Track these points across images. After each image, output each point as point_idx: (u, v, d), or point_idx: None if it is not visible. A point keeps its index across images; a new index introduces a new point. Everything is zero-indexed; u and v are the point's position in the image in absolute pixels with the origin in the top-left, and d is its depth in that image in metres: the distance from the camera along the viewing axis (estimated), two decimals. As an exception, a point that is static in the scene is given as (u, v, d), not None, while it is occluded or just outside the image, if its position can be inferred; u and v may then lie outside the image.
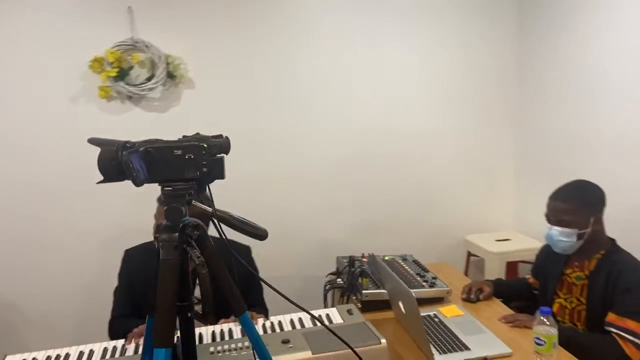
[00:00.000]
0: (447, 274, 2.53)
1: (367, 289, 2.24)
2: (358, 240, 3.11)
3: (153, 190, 1.98)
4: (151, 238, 2.17)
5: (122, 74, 2.73)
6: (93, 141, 1.06)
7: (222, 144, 1.10)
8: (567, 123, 2.82)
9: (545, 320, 1.68)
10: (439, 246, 3.19)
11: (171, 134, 2.91)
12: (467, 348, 1.86)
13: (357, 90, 3.10)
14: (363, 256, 2.62)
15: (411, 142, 3.19)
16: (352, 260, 2.48)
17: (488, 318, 2.11)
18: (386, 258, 2.64)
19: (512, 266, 3.02)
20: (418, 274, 2.38)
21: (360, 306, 2.21)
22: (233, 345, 1.74)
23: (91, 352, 1.79)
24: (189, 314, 1.15)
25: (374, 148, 3.16)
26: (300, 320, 1.94)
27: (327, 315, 1.97)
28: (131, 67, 2.77)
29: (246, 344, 1.74)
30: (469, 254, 3.20)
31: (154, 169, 1.07)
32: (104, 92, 2.75)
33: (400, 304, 1.97)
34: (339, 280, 2.52)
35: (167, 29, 2.81)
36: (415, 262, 2.56)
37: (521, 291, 2.34)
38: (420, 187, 3.22)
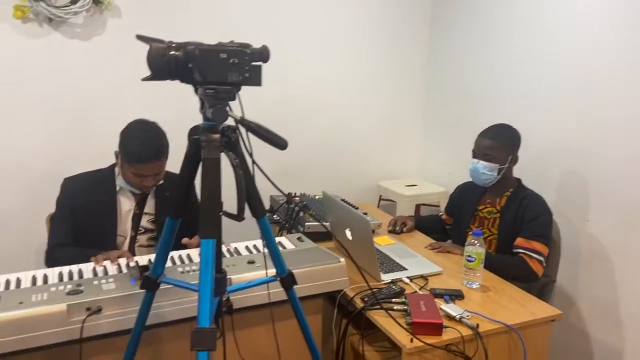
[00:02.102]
0: (370, 211, 2.79)
1: (309, 222, 2.41)
2: (279, 182, 3.23)
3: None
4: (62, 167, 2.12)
5: (43, -7, 2.50)
6: (140, 37, 1.06)
7: (262, 52, 1.16)
8: (472, 84, 3.20)
9: (475, 241, 1.99)
10: (354, 191, 3.45)
11: (94, 63, 2.77)
12: (404, 269, 2.13)
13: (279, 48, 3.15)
14: (295, 195, 2.78)
15: (330, 89, 3.36)
16: (289, 197, 2.62)
17: (415, 246, 2.41)
18: (317, 197, 2.83)
19: (417, 208, 3.39)
20: (350, 210, 2.60)
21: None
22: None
23: (45, 277, 1.72)
24: (220, 213, 1.21)
25: (297, 98, 3.28)
26: (254, 246, 2.04)
27: (279, 242, 2.10)
28: (52, -14, 2.55)
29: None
30: (380, 198, 3.51)
31: (202, 70, 1.10)
32: (20, 12, 2.49)
33: (348, 232, 2.17)
34: (275, 216, 2.65)
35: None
36: (344, 200, 2.78)
37: (436, 226, 2.68)
38: (337, 134, 3.42)
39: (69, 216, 2.05)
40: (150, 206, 2.13)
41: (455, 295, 1.92)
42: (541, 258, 2.15)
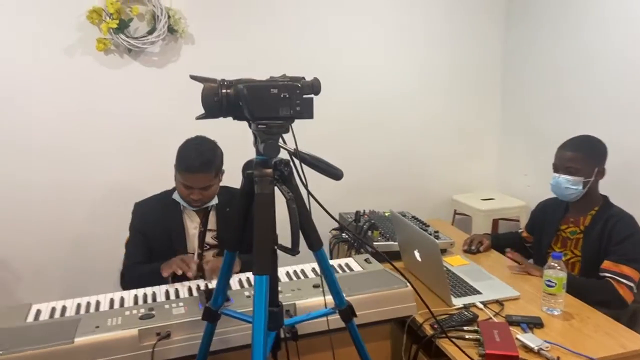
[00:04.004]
0: (443, 229, 2.68)
1: (377, 241, 2.36)
2: (348, 199, 3.20)
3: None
4: (146, 193, 2.22)
5: (122, 26, 2.66)
6: (194, 77, 1.09)
7: (313, 84, 1.15)
8: (553, 88, 3.01)
9: (555, 264, 1.85)
10: (427, 205, 3.35)
11: (170, 90, 2.89)
12: (478, 292, 2.02)
13: (347, 54, 3.16)
14: (364, 212, 2.74)
15: (401, 106, 3.30)
16: (358, 215, 2.59)
17: (490, 267, 2.28)
18: (386, 214, 2.77)
19: (495, 223, 3.24)
20: (420, 229, 2.52)
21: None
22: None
23: (122, 299, 1.81)
24: (275, 247, 1.21)
25: (365, 111, 3.24)
26: (313, 269, 2.03)
27: (347, 264, 2.07)
28: (131, 20, 2.70)
29: (278, 289, 1.82)
30: (455, 212, 3.39)
31: (253, 106, 1.11)
32: (102, 44, 2.67)
33: (416, 253, 2.10)
34: (343, 235, 2.63)
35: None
36: (415, 217, 2.70)
37: (515, 244, 2.53)
38: (408, 145, 3.35)
39: (142, 240, 2.15)
40: (212, 223, 2.18)
41: (533, 324, 1.79)
42: (631, 284, 1.96)
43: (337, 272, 1.99)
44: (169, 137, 2.86)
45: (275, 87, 1.12)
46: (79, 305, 1.77)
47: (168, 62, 2.85)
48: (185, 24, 2.81)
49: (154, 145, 2.87)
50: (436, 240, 1.98)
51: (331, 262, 2.07)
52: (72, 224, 2.84)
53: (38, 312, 1.72)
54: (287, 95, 1.12)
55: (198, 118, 1.10)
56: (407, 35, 3.24)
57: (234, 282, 1.90)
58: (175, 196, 2.14)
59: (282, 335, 1.47)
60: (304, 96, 1.14)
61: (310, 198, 1.24)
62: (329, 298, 1.44)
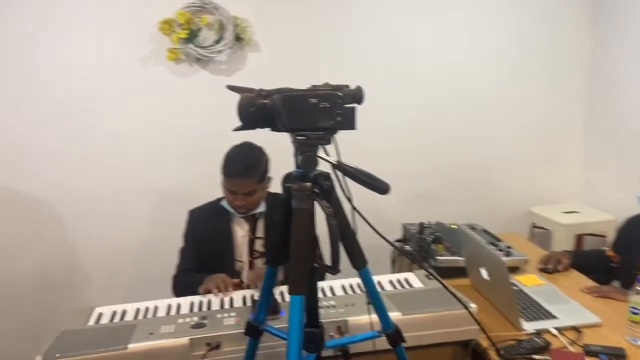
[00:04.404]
0: (517, 244, 2.49)
1: (441, 256, 2.23)
2: (417, 208, 3.08)
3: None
4: (205, 199, 2.22)
5: (192, 36, 2.73)
6: (231, 88, 1.06)
7: (355, 94, 1.08)
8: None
9: (642, 289, 1.64)
10: (501, 217, 3.15)
11: (237, 98, 2.92)
12: (553, 317, 1.83)
13: (419, 57, 3.04)
14: (429, 224, 2.60)
15: (475, 109, 3.13)
16: (422, 226, 2.47)
17: (568, 288, 2.07)
18: (453, 226, 2.62)
19: (579, 239, 2.97)
20: (491, 243, 2.35)
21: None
22: (325, 303, 1.75)
23: (179, 306, 1.82)
24: (315, 264, 1.15)
25: (435, 115, 3.11)
26: (379, 283, 1.94)
27: (406, 279, 1.97)
28: (200, 29, 2.76)
29: (331, 302, 1.75)
30: (533, 226, 3.15)
31: (291, 117, 1.06)
32: (173, 54, 2.75)
33: (483, 271, 1.95)
34: (406, 247, 2.51)
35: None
36: (485, 231, 2.53)
37: (598, 263, 2.29)
38: (482, 155, 3.17)
39: (193, 246, 2.17)
40: (261, 230, 2.15)
41: (615, 355, 1.59)
42: None
43: (395, 288, 1.89)
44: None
45: (315, 96, 1.06)
46: (137, 310, 1.80)
47: (235, 70, 2.88)
48: (251, 32, 2.83)
49: (221, 152, 2.92)
50: (503, 258, 1.83)
51: (390, 276, 1.98)
52: (140, 227, 2.94)
53: (100, 315, 1.78)
54: (328, 105, 1.06)
55: (235, 130, 1.07)
56: (479, 33, 3.07)
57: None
58: (224, 203, 2.15)
59: (332, 354, 1.41)
60: (346, 106, 1.08)
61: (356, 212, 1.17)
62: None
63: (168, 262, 2.23)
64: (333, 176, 1.15)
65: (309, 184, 1.07)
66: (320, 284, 1.89)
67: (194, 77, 2.84)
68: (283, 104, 1.04)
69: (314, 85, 1.11)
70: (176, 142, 2.88)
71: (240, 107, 1.03)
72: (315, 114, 1.06)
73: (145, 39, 2.75)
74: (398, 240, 2.59)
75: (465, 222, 2.62)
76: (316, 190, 1.10)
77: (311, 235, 1.10)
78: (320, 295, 1.83)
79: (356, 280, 1.95)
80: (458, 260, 2.20)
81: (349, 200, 1.15)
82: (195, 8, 2.74)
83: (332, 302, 1.75)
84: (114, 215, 2.90)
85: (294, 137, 1.08)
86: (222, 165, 2.04)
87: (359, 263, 1.18)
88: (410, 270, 2.11)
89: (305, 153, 1.06)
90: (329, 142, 1.11)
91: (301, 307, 1.05)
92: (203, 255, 2.16)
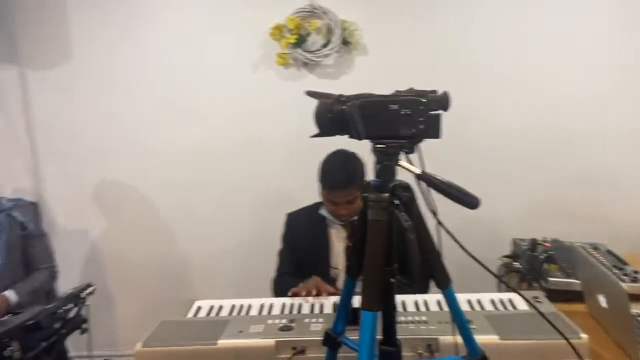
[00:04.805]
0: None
1: (554, 277, 2.03)
2: (532, 222, 2.83)
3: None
4: (306, 202, 2.23)
5: (300, 41, 2.77)
6: (310, 93, 1.04)
7: (440, 100, 1.01)
8: None
9: None
10: (629, 237, 2.78)
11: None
12: (684, 356, 1.57)
13: (534, 59, 2.81)
14: (545, 240, 2.38)
15: (601, 114, 2.82)
16: (534, 243, 2.26)
17: None
18: (571, 245, 2.37)
19: None
20: (615, 266, 2.09)
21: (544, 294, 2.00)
22: (410, 318, 1.67)
23: (271, 306, 1.85)
24: (392, 279, 1.09)
25: (558, 121, 2.85)
26: (478, 301, 1.80)
27: (510, 300, 1.81)
28: (308, 34, 2.80)
29: (423, 318, 1.67)
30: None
31: (369, 124, 1.01)
32: (282, 59, 2.82)
33: (601, 298, 1.74)
34: (515, 263, 2.33)
35: (344, -6, 2.79)
36: (609, 252, 2.26)
37: None
38: (612, 165, 2.84)
39: (290, 249, 2.20)
40: None
41: None
42: None
43: (497, 308, 1.75)
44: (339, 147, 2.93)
45: (396, 102, 1.00)
46: (233, 307, 1.86)
47: (342, 74, 2.88)
48: (359, 35, 2.80)
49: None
50: (627, 284, 1.60)
51: (492, 295, 1.84)
52: (242, 227, 3.06)
53: (199, 308, 1.86)
54: (409, 112, 0.99)
55: (312, 137, 1.04)
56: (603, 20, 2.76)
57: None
58: (322, 211, 2.15)
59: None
60: (431, 113, 1.00)
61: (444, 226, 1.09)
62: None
63: (268, 260, 2.30)
64: (415, 187, 1.08)
65: (386, 194, 1.02)
66: (413, 297, 1.81)
67: (301, 81, 2.89)
68: (361, 111, 0.99)
69: (397, 91, 1.05)
70: (282, 144, 2.94)
71: (317, 113, 1.01)
72: (396, 121, 1.00)
73: (255, 45, 2.85)
74: (506, 257, 2.41)
75: (589, 240, 2.36)
76: (395, 201, 1.04)
77: (388, 249, 1.04)
78: (412, 309, 1.77)
79: (462, 296, 1.84)
80: (573, 283, 1.98)
81: (434, 214, 1.07)
82: (305, 13, 2.78)
83: (424, 318, 1.66)
84: (218, 215, 3.05)
85: (372, 145, 1.03)
86: (321, 177, 2.05)
87: (442, 282, 1.09)
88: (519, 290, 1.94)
89: (383, 162, 1.01)
90: (412, 151, 1.05)
91: (373, 323, 0.99)
92: (299, 260, 2.18)
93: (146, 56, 2.91)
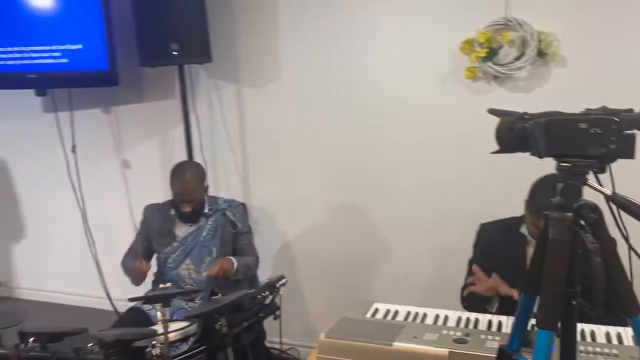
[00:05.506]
0: None
1: None
2: None
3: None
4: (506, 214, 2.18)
5: (491, 54, 2.74)
6: (492, 111, 1.07)
7: (636, 119, 0.96)
8: None
9: None
10: None
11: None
12: None
13: None
14: None
15: None
16: None
17: None
18: None
19: None
20: None
21: None
22: (598, 349, 1.57)
23: (446, 318, 1.88)
24: (573, 302, 1.06)
25: None
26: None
27: None
28: (500, 47, 2.75)
29: (614, 351, 1.55)
30: None
31: (554, 143, 1.01)
32: (470, 72, 2.81)
33: None
34: None
35: (541, 4, 2.67)
36: None
37: None
38: None
39: (482, 260, 2.18)
40: None
41: None
42: None
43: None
44: (524, 163, 2.80)
45: (585, 121, 0.98)
46: (408, 313, 1.94)
47: (535, 87, 2.76)
48: (557, 46, 2.66)
49: (512, 169, 2.85)
50: None
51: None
52: (431, 234, 3.11)
53: (376, 310, 1.99)
54: (599, 131, 0.96)
55: (493, 153, 1.07)
56: None
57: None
58: (523, 229, 2.09)
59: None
60: (624, 132, 0.96)
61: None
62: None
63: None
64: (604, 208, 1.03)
65: (569, 214, 1.00)
66: (605, 328, 1.69)
67: (490, 94, 2.84)
68: (546, 129, 0.99)
69: (587, 109, 1.03)
70: (469, 157, 2.92)
71: (499, 130, 1.03)
72: (584, 140, 0.98)
73: (445, 59, 2.90)
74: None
75: None
76: (581, 222, 1.01)
77: (568, 269, 1.01)
78: (602, 340, 1.64)
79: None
80: None
81: (626, 238, 1.02)
82: (498, 26, 2.74)
83: (615, 351, 1.55)
84: (407, 223, 3.15)
85: (556, 163, 1.02)
86: (528, 199, 2.00)
87: (631, 310, 1.02)
88: None
89: (567, 181, 0.99)
90: (602, 171, 1.01)
91: (549, 343, 0.98)
92: (488, 272, 2.17)
93: (341, 75, 3.16)
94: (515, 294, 1.94)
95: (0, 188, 4.37)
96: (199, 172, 2.85)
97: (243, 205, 3.12)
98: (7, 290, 4.52)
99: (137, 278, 2.68)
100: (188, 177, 2.72)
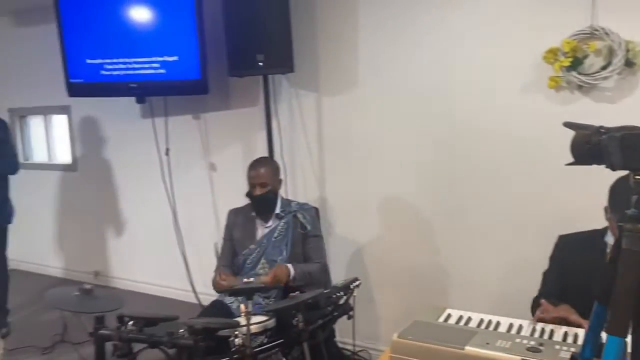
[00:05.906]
0: None
1: None
2: None
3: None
4: (584, 227, 2.14)
5: (576, 64, 2.69)
6: (568, 125, 1.11)
7: None
8: None
9: None
10: None
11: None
12: None
13: None
14: None
15: None
16: None
17: None
18: None
19: None
20: None
21: None
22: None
23: (520, 327, 1.89)
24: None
25: None
26: None
27: None
28: (586, 56, 2.69)
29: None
30: None
31: (629, 156, 1.03)
32: (553, 82, 2.77)
33: None
34: None
35: (628, 13, 2.59)
36: None
37: None
38: None
39: (558, 273, 2.16)
40: None
41: None
42: None
43: None
44: (604, 175, 2.70)
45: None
46: (481, 320, 1.96)
47: (622, 97, 2.67)
48: (646, 56, 2.57)
49: (593, 181, 2.77)
50: None
51: None
52: (508, 246, 3.08)
53: (449, 315, 2.02)
54: (675, 145, 0.98)
55: (567, 165, 1.10)
56: None
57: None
58: (608, 238, 2.06)
59: None
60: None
61: None
62: None
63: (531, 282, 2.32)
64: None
65: (643, 225, 1.02)
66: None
67: (574, 104, 2.79)
68: (621, 142, 1.02)
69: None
70: (550, 168, 2.85)
71: (574, 143, 1.07)
72: (659, 153, 1.00)
73: (528, 68, 2.87)
74: None
75: None
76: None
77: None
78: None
79: None
80: None
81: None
82: (584, 35, 2.69)
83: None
84: (482, 232, 3.15)
85: (631, 176, 1.04)
86: (609, 200, 1.98)
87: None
88: None
89: (640, 195, 1.01)
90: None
91: (618, 350, 1.00)
92: (565, 284, 2.15)
93: (417, 79, 3.23)
94: (584, 325, 1.88)
95: (104, 186, 4.81)
96: (274, 164, 3.07)
97: (315, 209, 3.23)
98: (103, 279, 4.96)
99: (215, 288, 2.84)
100: (262, 162, 2.97)
